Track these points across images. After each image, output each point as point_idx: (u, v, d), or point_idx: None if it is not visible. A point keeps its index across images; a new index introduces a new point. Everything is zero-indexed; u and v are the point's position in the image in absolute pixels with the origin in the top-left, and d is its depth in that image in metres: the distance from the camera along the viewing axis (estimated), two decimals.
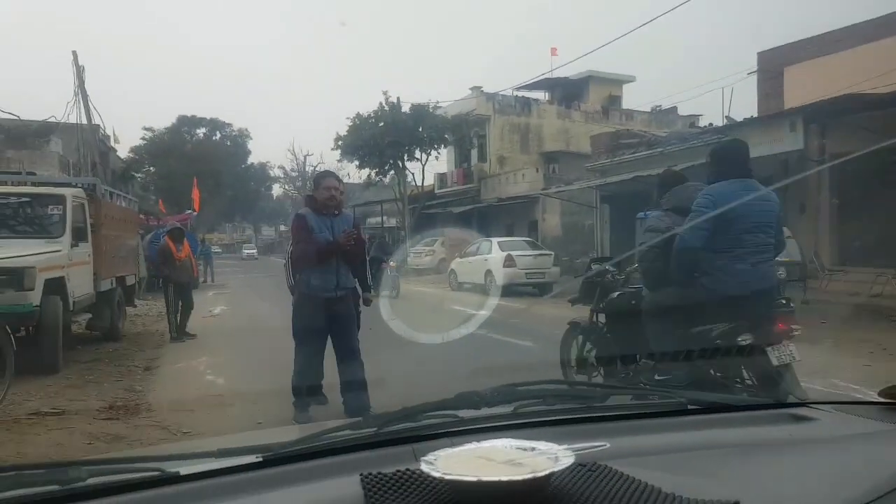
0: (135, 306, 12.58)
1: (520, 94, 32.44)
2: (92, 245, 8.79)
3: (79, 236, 8.08)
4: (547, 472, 0.97)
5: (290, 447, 1.23)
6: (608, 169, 21.47)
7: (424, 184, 31.93)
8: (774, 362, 3.84)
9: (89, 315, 8.84)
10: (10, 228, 7.77)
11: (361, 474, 1.08)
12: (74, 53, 20.35)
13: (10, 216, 7.89)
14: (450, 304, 15.55)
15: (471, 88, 31.09)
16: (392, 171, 30.51)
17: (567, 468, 1.00)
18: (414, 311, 14.51)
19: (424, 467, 1.02)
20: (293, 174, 56.10)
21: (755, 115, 18.36)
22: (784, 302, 4.27)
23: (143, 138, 44.51)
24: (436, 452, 1.07)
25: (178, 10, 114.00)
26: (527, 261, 17.18)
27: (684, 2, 15.62)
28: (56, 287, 7.23)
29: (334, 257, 4.87)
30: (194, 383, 6.87)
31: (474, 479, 0.94)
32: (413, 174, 30.94)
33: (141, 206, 28.97)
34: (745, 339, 3.88)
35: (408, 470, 1.08)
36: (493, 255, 17.60)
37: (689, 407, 1.55)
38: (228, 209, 53.96)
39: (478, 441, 1.16)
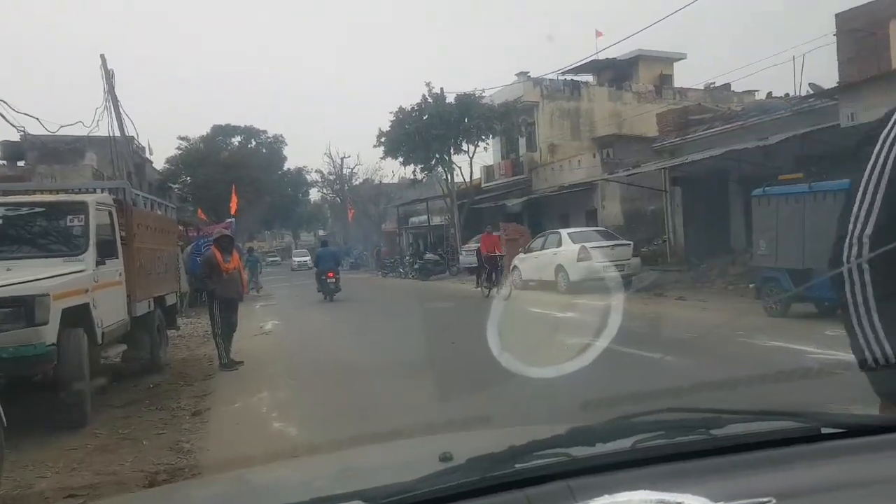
0: (177, 329, 11.17)
1: (566, 78, 30.58)
2: (123, 261, 7.32)
3: (106, 251, 6.56)
4: None
5: (393, 495, 1.10)
6: (677, 148, 19.51)
7: (471, 178, 30.22)
8: None
9: (124, 346, 7.35)
10: (21, 247, 6.31)
11: None
12: (103, 57, 19.23)
13: (22, 232, 6.42)
14: (524, 305, 13.84)
15: (517, 74, 29.23)
16: (438, 167, 28.87)
17: None
18: (490, 317, 12.86)
19: None
20: (331, 178, 54.84)
21: (836, 81, 16.40)
22: None
23: (178, 148, 43.73)
24: None
25: (207, 18, 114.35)
26: (603, 253, 15.36)
27: None
28: (79, 317, 5.75)
29: None
30: (258, 434, 5.30)
31: None
32: (460, 168, 29.27)
33: (179, 217, 28.13)
34: None
35: None
36: (565, 249, 15.84)
37: (824, 431, 1.35)
38: (267, 216, 53.03)
39: (602, 489, 1.08)
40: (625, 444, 1.28)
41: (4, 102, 13.91)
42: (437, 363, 8.08)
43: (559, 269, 15.83)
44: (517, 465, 1.19)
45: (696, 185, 18.30)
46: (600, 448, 1.27)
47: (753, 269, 10.11)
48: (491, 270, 16.59)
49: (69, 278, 5.71)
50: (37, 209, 6.55)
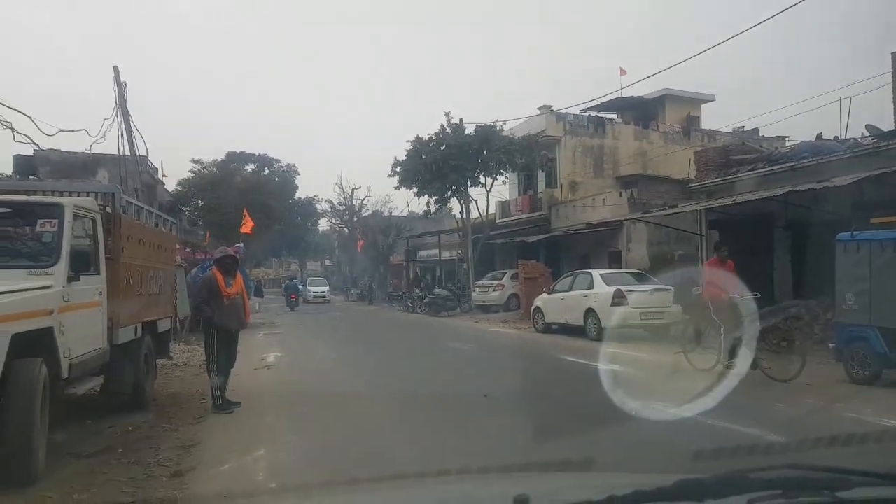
0: (169, 358, 9.94)
1: (591, 114, 29.74)
2: (107, 278, 6.15)
3: (83, 265, 5.38)
4: None
5: None
6: (716, 189, 18.39)
7: (487, 212, 29.16)
8: None
9: (100, 379, 6.14)
10: None
11: None
12: (116, 69, 18.37)
13: None
14: (556, 353, 12.56)
15: (539, 108, 28.37)
16: (454, 198, 27.82)
17: None
18: (525, 366, 11.58)
19: None
20: (340, 208, 54.03)
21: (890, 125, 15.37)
22: None
23: (191, 171, 43.02)
24: None
25: (220, 42, 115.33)
26: (641, 297, 14.10)
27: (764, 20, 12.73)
28: (38, 344, 4.56)
29: None
30: None
31: None
32: (476, 201, 28.21)
33: (188, 240, 27.13)
34: None
35: None
36: (597, 291, 14.58)
37: None
38: (276, 243, 52.18)
39: None
40: (738, 502, 1.20)
41: (28, 117, 13.02)
42: (468, 417, 6.85)
43: (589, 312, 14.55)
44: None
45: (736, 229, 17.13)
46: None
47: (837, 325, 8.66)
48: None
49: (26, 295, 4.53)
50: (2, 210, 5.39)
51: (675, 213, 17.34)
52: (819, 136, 18.20)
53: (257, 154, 51.10)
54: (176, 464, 5.05)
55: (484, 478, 3.22)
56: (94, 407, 6.91)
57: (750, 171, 17.23)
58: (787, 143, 27.63)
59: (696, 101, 32.65)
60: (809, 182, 13.21)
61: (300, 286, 38.34)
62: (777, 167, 16.25)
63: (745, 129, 32.80)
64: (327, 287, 42.79)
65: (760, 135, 31.76)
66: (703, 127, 32.26)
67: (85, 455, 5.28)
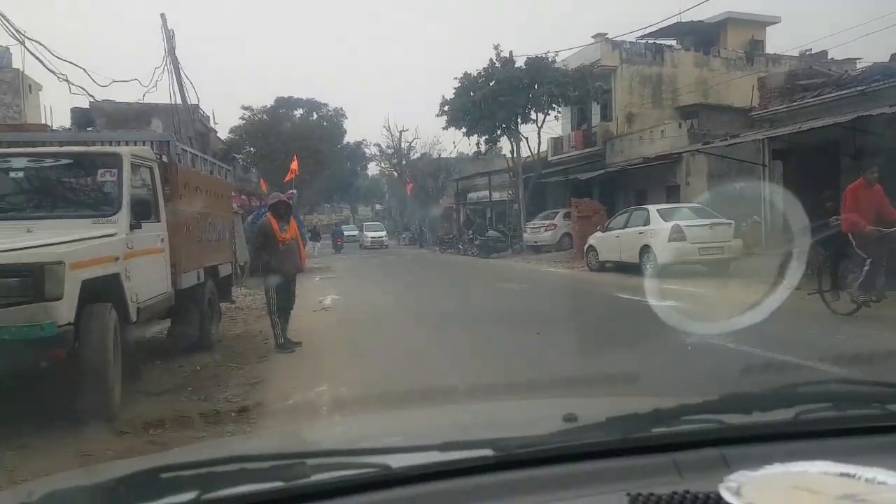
0: (232, 302, 10.25)
1: (647, 41, 28.49)
2: (167, 226, 6.32)
3: (144, 213, 5.52)
4: None
5: (525, 447, 1.04)
6: (780, 118, 17.53)
7: (539, 150, 28.60)
8: None
9: (168, 322, 6.37)
10: (45, 205, 5.33)
11: (629, 494, 0.90)
12: (163, 16, 18.54)
13: (46, 187, 5.42)
14: (610, 291, 12.44)
15: (593, 36, 27.29)
16: (504, 136, 27.35)
17: None
18: (577, 303, 11.55)
19: (727, 496, 0.83)
20: (389, 151, 53.93)
21: None
22: None
23: (241, 118, 43.46)
24: (736, 476, 0.88)
25: None
26: (699, 232, 13.72)
27: None
28: (105, 290, 4.74)
29: None
30: None
31: None
32: (527, 139, 27.67)
33: (243, 187, 27.63)
34: None
35: (698, 496, 0.86)
36: (654, 227, 14.24)
37: None
38: (327, 189, 52.63)
39: (760, 460, 0.93)
40: (786, 414, 1.16)
41: (83, 69, 13.32)
42: (517, 354, 6.89)
43: (645, 249, 14.27)
44: (665, 429, 1.10)
45: (801, 159, 16.37)
46: (758, 417, 1.16)
47: None
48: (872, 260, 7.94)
49: (93, 243, 4.68)
50: (63, 161, 5.54)
51: (736, 142, 16.65)
52: (894, 57, 17.02)
53: (305, 99, 50.57)
54: (242, 400, 5.25)
55: (534, 400, 3.28)
56: (164, 349, 7.23)
57: (816, 96, 16.32)
58: (858, 66, 25.99)
59: (759, 23, 30.83)
60: (881, 107, 12.46)
61: (345, 232, 40.65)
62: (846, 91, 15.33)
63: (813, 52, 31.00)
64: (384, 232, 41.20)
65: (829, 58, 29.93)
66: (767, 51, 30.53)
67: (157, 393, 5.55)
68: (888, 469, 0.87)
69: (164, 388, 5.70)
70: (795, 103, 16.73)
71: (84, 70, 13.12)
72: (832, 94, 15.77)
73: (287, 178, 23.61)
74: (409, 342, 7.97)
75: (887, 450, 1.05)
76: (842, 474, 0.87)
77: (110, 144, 6.51)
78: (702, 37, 29.59)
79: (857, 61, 27.90)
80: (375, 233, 39.39)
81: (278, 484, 0.95)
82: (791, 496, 0.82)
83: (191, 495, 0.94)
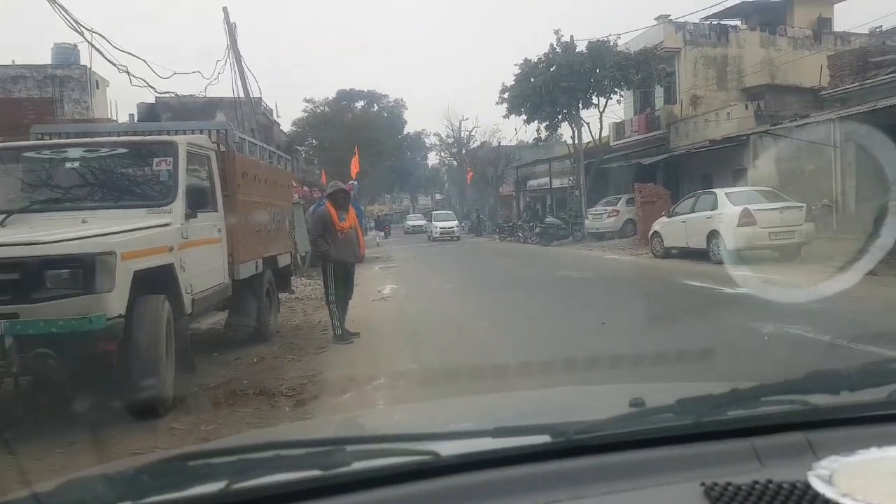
0: (292, 292, 10.25)
1: (711, 21, 27.35)
2: (224, 215, 6.26)
3: (200, 202, 5.43)
4: None
5: (584, 432, 0.96)
6: (851, 97, 16.48)
7: (600, 136, 27.87)
8: None
9: (224, 313, 6.33)
10: (101, 195, 5.32)
11: (703, 484, 0.83)
12: (225, 10, 18.71)
13: (102, 177, 5.40)
14: (677, 278, 11.91)
15: (656, 18, 26.37)
16: (565, 122, 26.75)
17: None
18: (646, 293, 11.09)
19: (818, 485, 0.75)
20: (448, 140, 53.81)
21: None
22: None
23: (304, 111, 44.12)
24: (827, 462, 0.81)
25: None
26: (769, 216, 13.00)
27: None
28: (159, 280, 4.68)
29: None
30: None
31: None
32: (588, 124, 27.01)
33: (305, 178, 27.97)
34: None
35: (783, 485, 0.78)
36: (722, 211, 13.57)
37: None
38: (388, 179, 52.94)
39: (851, 444, 0.84)
40: (878, 393, 1.05)
41: (144, 61, 13.56)
42: (583, 345, 6.58)
43: (713, 235, 13.62)
44: (742, 411, 1.01)
45: (875, 140, 15.33)
46: (847, 397, 1.05)
47: None
48: None
49: (146, 233, 4.61)
50: (119, 151, 5.52)
51: (805, 123, 15.75)
52: None
53: (366, 91, 51.13)
54: (299, 393, 5.11)
55: (597, 386, 3.13)
56: (222, 340, 7.22)
57: (891, 73, 15.25)
58: None
59: (827, 0, 29.25)
60: None
61: (410, 222, 46.46)
62: None
63: (884, 28, 29.18)
64: (455, 222, 36.16)
65: None
66: (835, 29, 28.94)
67: (212, 386, 5.46)
68: None
69: (218, 381, 5.62)
70: (868, 81, 15.67)
71: (145, 61, 13.38)
72: None
73: (353, 173, 23.77)
74: (469, 332, 7.75)
75: None
76: None
77: (168, 134, 6.51)
78: (767, 16, 28.31)
79: None
80: (446, 223, 35.06)
81: (316, 472, 0.91)
82: (893, 484, 0.74)
83: (220, 484, 0.89)
